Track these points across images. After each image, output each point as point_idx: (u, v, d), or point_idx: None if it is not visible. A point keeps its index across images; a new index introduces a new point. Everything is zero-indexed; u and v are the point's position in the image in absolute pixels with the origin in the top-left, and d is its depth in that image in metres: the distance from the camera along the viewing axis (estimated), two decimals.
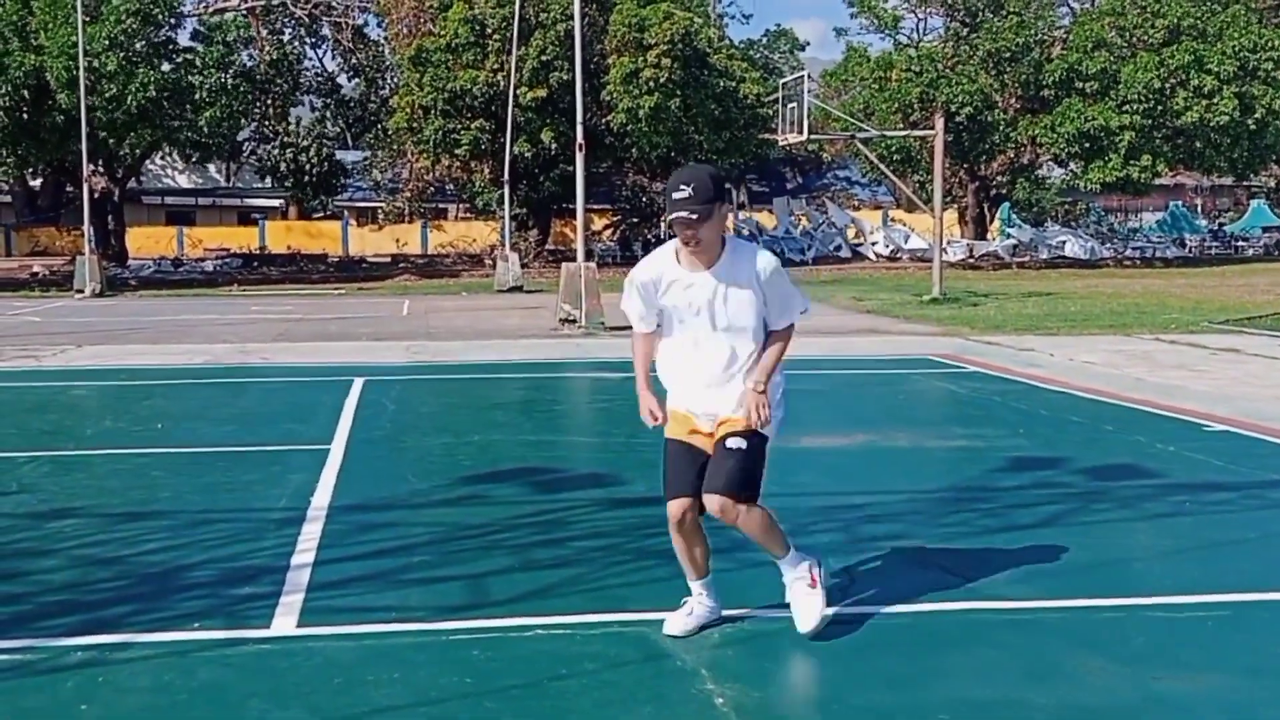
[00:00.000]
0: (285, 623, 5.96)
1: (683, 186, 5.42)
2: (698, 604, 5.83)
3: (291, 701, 5.09)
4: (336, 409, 12.77)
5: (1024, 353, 18.18)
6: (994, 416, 12.56)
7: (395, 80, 60.30)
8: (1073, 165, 52.46)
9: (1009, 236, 54.91)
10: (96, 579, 6.80)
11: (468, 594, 6.47)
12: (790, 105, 34.89)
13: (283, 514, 8.19)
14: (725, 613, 5.93)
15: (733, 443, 5.54)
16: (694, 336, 5.66)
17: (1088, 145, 47.63)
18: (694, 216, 5.41)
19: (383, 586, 6.52)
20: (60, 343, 20.76)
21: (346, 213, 69.80)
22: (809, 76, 35.66)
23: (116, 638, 5.76)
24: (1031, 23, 48.95)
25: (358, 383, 14.83)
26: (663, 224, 61.35)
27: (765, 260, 5.61)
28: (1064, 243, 54.74)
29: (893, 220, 63.04)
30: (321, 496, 8.67)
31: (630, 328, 5.87)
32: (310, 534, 7.65)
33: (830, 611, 5.77)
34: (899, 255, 54.59)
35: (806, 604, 5.70)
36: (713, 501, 5.52)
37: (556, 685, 5.19)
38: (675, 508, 5.64)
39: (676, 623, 5.77)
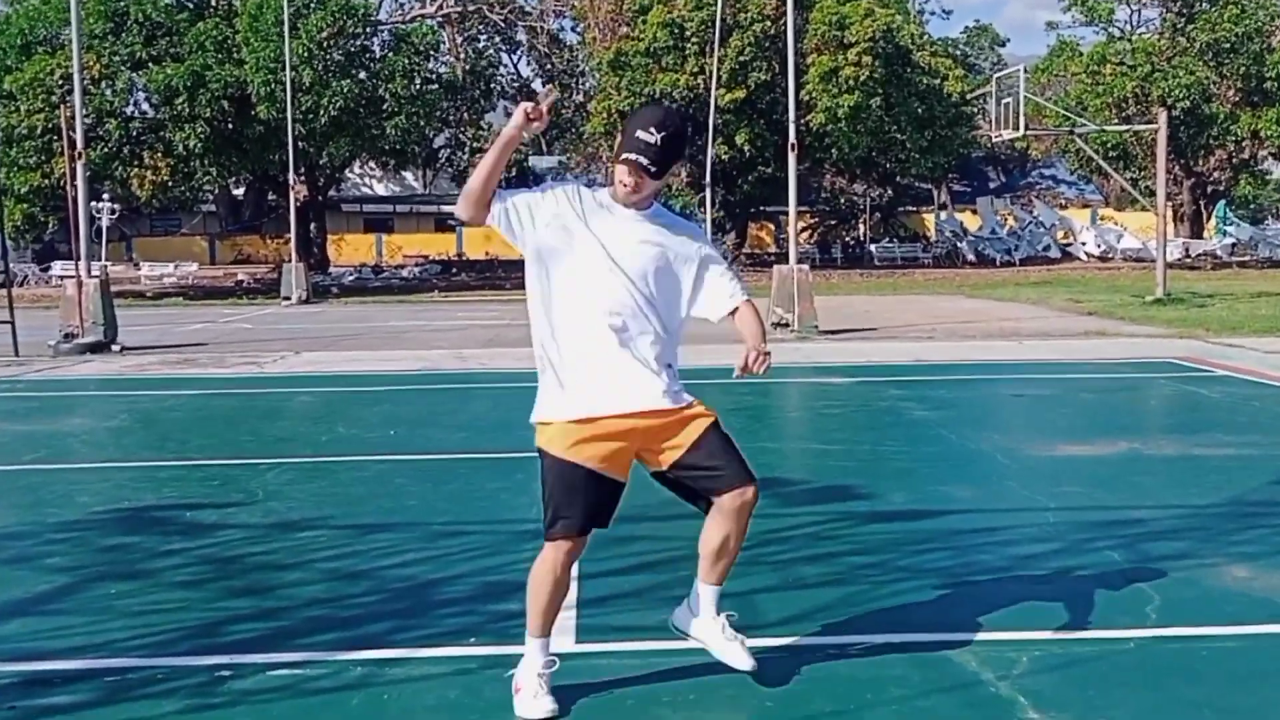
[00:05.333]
0: (563, 641, 5.75)
1: (654, 130, 4.75)
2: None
3: None
4: None
5: (1272, 355, 17.33)
6: (1259, 423, 11.90)
7: (590, 85, 60.57)
8: None
9: (1227, 235, 53.14)
10: (355, 593, 6.68)
11: (741, 612, 6.18)
12: (1005, 101, 34.13)
13: (534, 525, 7.99)
14: (1029, 636, 5.57)
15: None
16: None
17: None
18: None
19: (651, 603, 6.26)
20: (277, 349, 21.10)
21: None
22: (1024, 70, 34.75)
23: (389, 653, 5.62)
24: (1253, 12, 47.33)
25: None
26: (863, 226, 60.74)
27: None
28: None
29: (1102, 219, 61.52)
30: None
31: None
32: None
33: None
34: (1111, 255, 53.16)
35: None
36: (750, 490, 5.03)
37: (870, 713, 4.87)
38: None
39: None
